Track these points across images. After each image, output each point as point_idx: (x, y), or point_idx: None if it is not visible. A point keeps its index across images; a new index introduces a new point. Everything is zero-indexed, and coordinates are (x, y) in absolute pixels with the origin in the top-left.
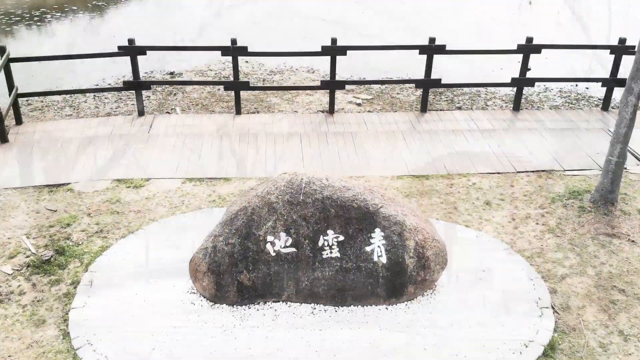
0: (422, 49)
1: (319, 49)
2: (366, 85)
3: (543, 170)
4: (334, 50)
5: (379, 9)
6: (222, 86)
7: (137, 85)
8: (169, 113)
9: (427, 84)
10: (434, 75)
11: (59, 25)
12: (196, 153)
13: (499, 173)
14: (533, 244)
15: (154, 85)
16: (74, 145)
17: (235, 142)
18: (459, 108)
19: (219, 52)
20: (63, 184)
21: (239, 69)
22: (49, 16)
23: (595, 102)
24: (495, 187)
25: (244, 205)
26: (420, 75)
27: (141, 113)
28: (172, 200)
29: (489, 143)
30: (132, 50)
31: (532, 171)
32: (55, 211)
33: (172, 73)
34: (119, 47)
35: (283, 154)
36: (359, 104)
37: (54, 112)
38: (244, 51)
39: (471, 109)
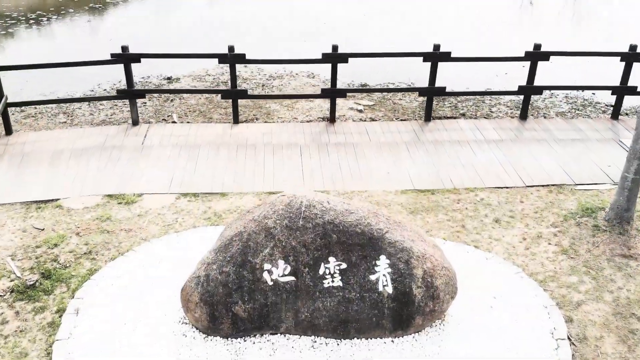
0: (426, 56)
1: (320, 55)
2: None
3: (553, 185)
4: (334, 58)
5: (380, 9)
6: (220, 94)
7: (130, 94)
8: (165, 120)
9: (432, 92)
10: (438, 81)
11: (54, 28)
12: (191, 166)
13: (507, 187)
14: (546, 266)
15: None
16: (65, 157)
17: (232, 154)
18: (463, 115)
19: (216, 59)
20: (52, 200)
21: (238, 73)
22: (44, 19)
23: (603, 109)
24: (505, 203)
25: (239, 231)
26: (423, 79)
27: (135, 122)
28: (165, 217)
29: (496, 154)
30: (125, 58)
31: (542, 185)
32: (42, 230)
33: (169, 78)
34: (112, 55)
35: (282, 166)
36: (360, 111)
37: (47, 120)
38: (241, 59)
39: (475, 115)
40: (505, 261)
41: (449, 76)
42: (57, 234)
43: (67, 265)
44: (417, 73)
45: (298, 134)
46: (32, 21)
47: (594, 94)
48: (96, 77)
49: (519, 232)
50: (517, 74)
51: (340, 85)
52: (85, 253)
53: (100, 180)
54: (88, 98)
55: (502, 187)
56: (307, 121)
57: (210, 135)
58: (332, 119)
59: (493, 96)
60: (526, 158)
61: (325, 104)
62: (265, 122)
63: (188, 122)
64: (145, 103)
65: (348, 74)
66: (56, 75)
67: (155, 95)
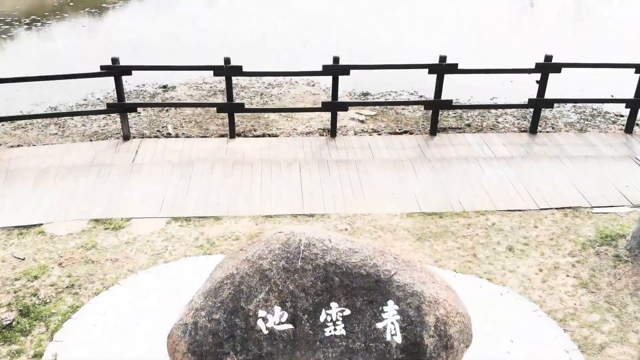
0: (431, 69)
1: (320, 67)
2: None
3: (568, 207)
4: (335, 70)
5: (380, 12)
6: (215, 108)
7: (121, 108)
8: (159, 132)
9: (438, 106)
10: (443, 90)
11: (48, 33)
12: (184, 186)
13: (520, 210)
14: (565, 302)
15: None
16: (51, 177)
17: (228, 171)
18: (469, 125)
19: (212, 71)
20: (35, 225)
21: (236, 81)
22: (39, 24)
23: (612, 119)
24: (518, 228)
25: (231, 272)
26: (427, 87)
27: (127, 137)
28: (154, 245)
29: (506, 173)
30: (116, 71)
31: (557, 208)
32: (23, 259)
33: (164, 86)
34: (102, 67)
35: (280, 186)
36: (362, 121)
37: (37, 131)
38: (238, 71)
39: (481, 126)
40: (521, 297)
41: (452, 83)
42: (39, 264)
43: (48, 300)
44: (420, 80)
45: (297, 149)
46: (25, 26)
47: (602, 103)
48: (89, 85)
49: (534, 263)
50: (523, 81)
51: (340, 93)
52: (67, 287)
53: (87, 202)
54: (76, 112)
55: (514, 210)
56: (308, 132)
57: (205, 150)
58: (332, 132)
59: (500, 111)
60: (538, 177)
61: (326, 114)
62: (264, 133)
63: (183, 134)
64: (139, 113)
65: (349, 82)
66: (48, 83)
67: None
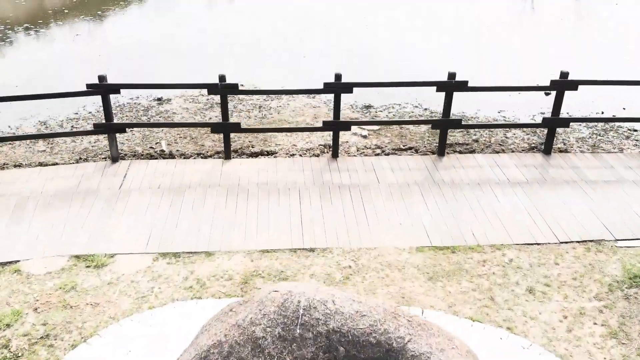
0: (440, 86)
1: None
2: (373, 115)
3: (591, 241)
4: (337, 88)
5: (380, 19)
6: (209, 128)
7: (109, 128)
8: (152, 148)
9: (446, 125)
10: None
11: (41, 42)
12: (174, 216)
13: (539, 244)
14: (594, 356)
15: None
16: (31, 206)
17: (221, 199)
18: (476, 141)
19: (207, 87)
20: (10, 262)
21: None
22: (32, 32)
23: (626, 134)
24: (537, 266)
25: (219, 340)
26: (431, 100)
27: (115, 159)
28: (139, 286)
29: (521, 200)
30: (103, 89)
31: (578, 241)
32: None
33: (159, 99)
34: (88, 86)
35: (278, 215)
36: (364, 136)
37: (25, 148)
38: (233, 89)
39: (490, 142)
40: (546, 351)
41: (459, 98)
42: (12, 309)
43: (19, 354)
44: (425, 90)
45: (297, 172)
46: (19, 33)
47: (614, 116)
48: (81, 99)
49: (557, 308)
50: (534, 95)
51: (342, 106)
52: (42, 337)
53: (69, 236)
54: (62, 134)
55: (532, 244)
56: (308, 149)
57: (198, 173)
58: (334, 153)
59: (508, 121)
60: (556, 204)
61: None
62: (262, 150)
63: (177, 151)
64: (132, 129)
65: (349, 95)
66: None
67: (144, 118)
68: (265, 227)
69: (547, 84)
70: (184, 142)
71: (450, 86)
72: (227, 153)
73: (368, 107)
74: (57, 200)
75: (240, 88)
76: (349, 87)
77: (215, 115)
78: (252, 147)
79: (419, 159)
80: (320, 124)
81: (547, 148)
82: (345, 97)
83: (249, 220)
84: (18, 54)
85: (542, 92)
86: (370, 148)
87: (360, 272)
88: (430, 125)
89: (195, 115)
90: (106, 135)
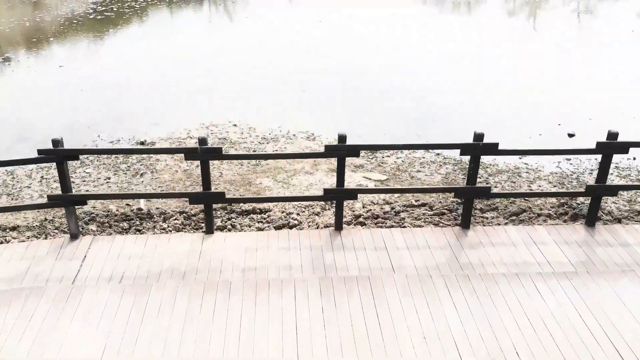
0: (465, 149)
1: (323, 147)
2: (380, 161)
3: None
4: (342, 151)
5: (384, 47)
6: (188, 199)
7: (67, 201)
8: (129, 205)
9: (472, 194)
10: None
11: (20, 73)
12: (133, 329)
13: None
14: None
15: (93, 199)
16: None
17: (195, 301)
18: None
19: (184, 152)
20: None
21: (225, 134)
22: (9, 62)
23: None
24: None
25: None
26: (444, 134)
27: (74, 236)
28: None
29: (571, 298)
30: (56, 156)
31: None
32: None
33: (142, 142)
34: (40, 152)
35: (267, 324)
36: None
37: None
38: (216, 154)
39: (511, 196)
40: None
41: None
42: None
43: None
44: (437, 133)
45: (293, 253)
46: None
47: None
48: (48, 130)
49: None
50: (552, 126)
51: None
52: None
53: (2, 352)
54: (9, 208)
55: None
56: (307, 206)
57: (171, 257)
58: (338, 225)
59: (529, 167)
60: (615, 308)
61: (327, 177)
62: (254, 208)
63: (157, 209)
64: (109, 179)
65: (353, 132)
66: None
67: (123, 166)
68: (249, 344)
69: (575, 131)
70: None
71: (477, 149)
72: (209, 227)
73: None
74: None
75: (232, 126)
76: (355, 150)
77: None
78: (243, 203)
79: (439, 233)
80: (320, 182)
81: (590, 219)
82: (348, 139)
83: (228, 333)
84: None
85: (567, 135)
86: (378, 204)
87: None
88: (443, 171)
89: (182, 163)
90: (81, 182)
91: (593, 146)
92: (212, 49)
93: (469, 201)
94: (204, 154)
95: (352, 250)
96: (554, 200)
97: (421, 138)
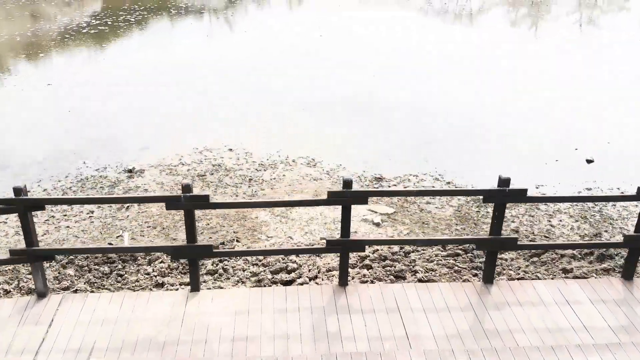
0: (488, 195)
1: (325, 189)
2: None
3: None
4: (346, 198)
5: (390, 70)
6: (170, 256)
7: (32, 257)
8: (111, 243)
9: (496, 246)
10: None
11: (8, 92)
12: None
13: None
14: None
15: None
16: None
17: None
18: (516, 231)
19: (165, 200)
20: None
21: (220, 161)
22: None
23: None
24: None
25: None
26: (458, 171)
27: (42, 294)
28: None
29: None
30: (19, 206)
31: None
32: None
33: (130, 170)
34: (1, 201)
35: None
36: (377, 224)
37: None
38: (203, 202)
39: (532, 232)
40: None
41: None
42: None
43: None
44: (447, 159)
45: (290, 317)
46: None
47: None
48: (30, 157)
49: None
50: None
51: (346, 174)
52: None
53: None
54: None
55: None
56: (308, 244)
57: (150, 323)
58: (343, 280)
59: (551, 207)
60: None
61: (330, 212)
62: (249, 247)
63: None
64: (91, 213)
65: (358, 161)
66: None
67: (112, 193)
68: None
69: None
70: (153, 233)
71: (504, 196)
72: (195, 283)
73: (379, 179)
74: None
75: (228, 151)
76: (362, 197)
77: (196, 191)
78: (238, 241)
79: (458, 289)
80: (322, 231)
81: (627, 273)
82: (352, 166)
83: None
84: None
85: (585, 161)
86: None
87: None
88: (455, 203)
89: (172, 192)
90: (48, 237)
91: (633, 192)
92: (208, 65)
93: (493, 254)
94: (188, 201)
95: (360, 312)
96: (570, 223)
97: (429, 163)
